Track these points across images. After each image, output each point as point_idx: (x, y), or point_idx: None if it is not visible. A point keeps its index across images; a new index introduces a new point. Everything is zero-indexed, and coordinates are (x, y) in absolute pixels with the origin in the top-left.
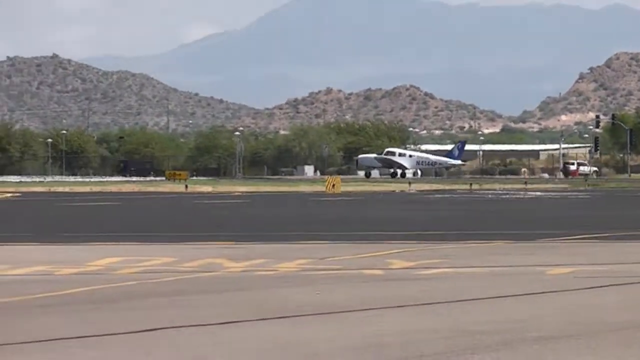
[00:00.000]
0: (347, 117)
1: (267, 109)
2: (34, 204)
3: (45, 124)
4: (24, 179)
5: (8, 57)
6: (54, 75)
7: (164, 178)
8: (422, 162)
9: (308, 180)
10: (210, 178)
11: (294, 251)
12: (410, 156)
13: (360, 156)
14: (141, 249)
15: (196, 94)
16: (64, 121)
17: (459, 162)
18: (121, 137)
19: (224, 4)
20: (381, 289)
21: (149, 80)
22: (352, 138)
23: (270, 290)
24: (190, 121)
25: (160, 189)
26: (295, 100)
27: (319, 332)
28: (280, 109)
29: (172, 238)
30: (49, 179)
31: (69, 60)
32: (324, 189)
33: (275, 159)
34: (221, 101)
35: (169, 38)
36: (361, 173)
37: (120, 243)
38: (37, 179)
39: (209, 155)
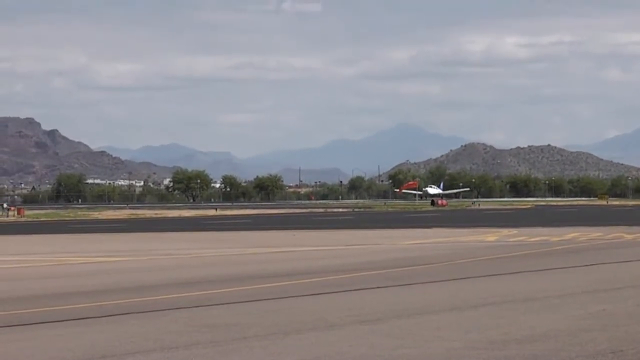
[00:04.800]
0: None
1: None
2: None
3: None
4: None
5: (528, 145)
6: (548, 155)
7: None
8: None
9: None
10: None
11: None
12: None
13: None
14: (589, 229)
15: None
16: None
17: None
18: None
19: None
20: None
21: (590, 156)
22: None
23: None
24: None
25: None
26: None
27: None
28: None
29: (602, 224)
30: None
31: (557, 148)
32: None
33: None
34: None
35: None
36: None
37: (578, 227)
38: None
39: None
